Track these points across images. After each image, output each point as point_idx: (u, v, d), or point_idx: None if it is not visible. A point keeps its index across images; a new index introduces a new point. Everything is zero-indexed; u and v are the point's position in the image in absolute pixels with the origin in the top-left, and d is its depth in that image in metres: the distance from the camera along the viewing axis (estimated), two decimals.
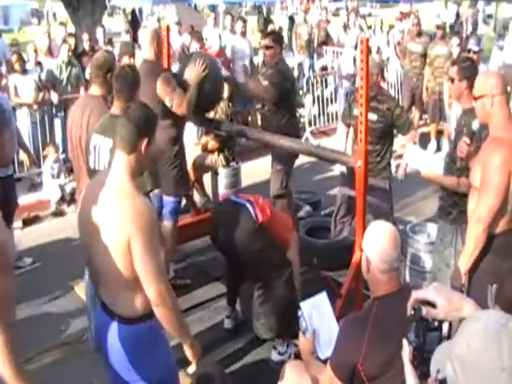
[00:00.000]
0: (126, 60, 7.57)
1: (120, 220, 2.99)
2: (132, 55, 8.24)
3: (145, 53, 5.91)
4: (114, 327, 3.21)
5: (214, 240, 5.26)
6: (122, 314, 3.18)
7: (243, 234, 4.89)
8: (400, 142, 6.49)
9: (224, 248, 5.23)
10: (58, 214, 8.47)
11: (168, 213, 5.76)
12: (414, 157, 5.15)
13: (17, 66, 9.37)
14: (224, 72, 9.59)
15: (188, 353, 3.33)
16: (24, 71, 9.45)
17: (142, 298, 3.11)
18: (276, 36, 7.32)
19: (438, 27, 11.93)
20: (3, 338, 2.66)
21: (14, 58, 9.54)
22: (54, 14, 31.97)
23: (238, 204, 5.05)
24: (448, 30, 13.63)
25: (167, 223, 5.78)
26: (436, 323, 2.17)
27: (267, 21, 15.97)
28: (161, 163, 5.62)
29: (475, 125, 4.46)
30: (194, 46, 9.52)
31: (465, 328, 1.70)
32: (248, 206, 4.97)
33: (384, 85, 11.41)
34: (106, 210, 3.05)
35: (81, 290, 5.84)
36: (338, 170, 8.27)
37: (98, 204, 3.09)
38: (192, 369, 3.40)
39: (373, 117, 5.84)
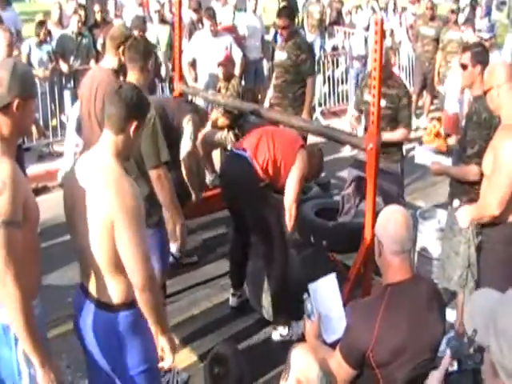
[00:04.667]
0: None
1: (104, 200, 2.88)
2: (142, 30, 8.19)
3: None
4: (90, 311, 3.10)
5: (224, 194, 5.32)
6: (100, 299, 3.07)
7: (247, 182, 4.97)
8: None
9: (232, 200, 5.25)
10: None
11: None
12: (421, 155, 5.16)
13: (40, 33, 9.33)
14: (238, 49, 9.58)
15: (165, 347, 3.18)
16: (42, 41, 9.40)
17: (123, 285, 3.02)
18: (289, 13, 7.29)
19: (452, 11, 11.83)
20: (17, 292, 2.66)
21: (41, 25, 9.46)
22: None
23: (240, 156, 5.06)
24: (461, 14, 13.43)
25: None
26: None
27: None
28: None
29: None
30: (206, 23, 9.44)
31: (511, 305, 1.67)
32: (248, 158, 5.00)
33: (395, 68, 11.36)
34: (90, 189, 2.94)
35: None
36: (347, 151, 8.27)
37: (82, 183, 2.99)
38: (167, 363, 3.24)
39: (382, 102, 5.74)
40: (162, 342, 3.18)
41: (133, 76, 4.52)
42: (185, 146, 5.59)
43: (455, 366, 2.19)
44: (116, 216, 2.85)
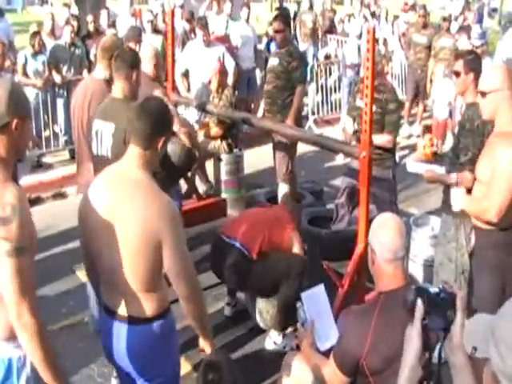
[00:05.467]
0: (131, 46, 7.53)
1: (146, 216, 2.89)
2: (138, 42, 8.20)
3: (143, 66, 5.85)
4: (122, 329, 3.10)
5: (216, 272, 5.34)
6: (133, 315, 3.07)
7: (241, 272, 5.04)
8: (403, 134, 6.39)
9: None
10: (60, 195, 8.46)
11: None
12: (413, 165, 5.17)
13: (36, 44, 9.33)
14: (230, 59, 9.60)
15: (206, 349, 3.34)
16: (37, 51, 9.41)
17: (157, 297, 3.06)
18: (285, 19, 7.35)
19: (444, 19, 11.90)
20: (37, 328, 2.59)
21: (36, 36, 9.43)
22: None
23: (229, 245, 5.10)
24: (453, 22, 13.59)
25: None
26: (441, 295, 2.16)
27: (280, 8, 15.81)
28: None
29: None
30: (199, 33, 9.46)
31: (510, 313, 1.67)
32: (238, 245, 5.04)
33: (388, 76, 11.39)
34: (125, 206, 2.93)
35: (82, 273, 5.83)
36: (340, 159, 8.28)
37: (109, 201, 2.98)
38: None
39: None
40: (204, 346, 3.35)
41: (118, 85, 4.54)
42: None
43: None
44: (163, 230, 2.89)
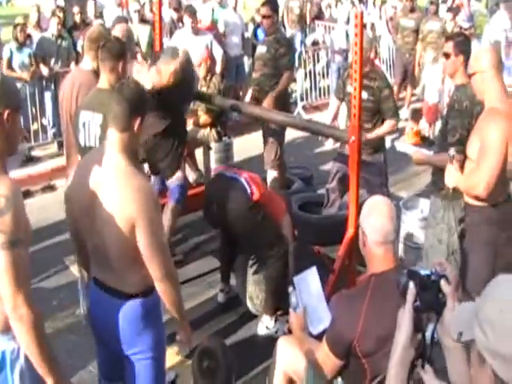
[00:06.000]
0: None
1: (121, 198, 2.98)
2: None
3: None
4: (108, 301, 3.20)
5: (207, 215, 5.24)
6: (118, 289, 3.17)
7: (237, 210, 4.88)
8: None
9: (217, 223, 5.25)
10: (49, 188, 8.44)
11: (174, 196, 5.70)
12: (402, 145, 5.18)
13: (20, 36, 9.27)
14: (218, 47, 9.58)
15: (182, 333, 3.43)
16: (22, 44, 9.36)
17: (140, 276, 3.12)
18: (273, 5, 7.33)
19: (431, 2, 11.90)
20: (33, 320, 2.58)
21: (18, 28, 9.38)
22: None
23: (233, 179, 5.03)
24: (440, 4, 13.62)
25: (171, 205, 5.69)
26: (432, 278, 2.18)
27: None
28: (158, 156, 5.57)
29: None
30: (187, 21, 9.42)
31: (494, 293, 1.69)
32: (243, 181, 4.95)
33: (376, 61, 11.39)
34: (106, 189, 3.03)
35: (74, 266, 5.84)
36: (329, 145, 8.29)
37: (94, 183, 3.07)
38: (185, 347, 3.55)
39: (363, 95, 5.74)
40: (180, 329, 3.43)
41: (104, 76, 4.54)
42: None
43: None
44: (137, 214, 2.96)
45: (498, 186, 4.01)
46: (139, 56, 9.36)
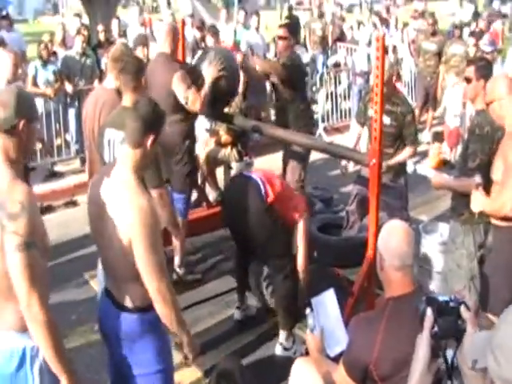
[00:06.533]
0: (139, 51, 7.57)
1: (123, 216, 3.04)
2: (146, 46, 8.23)
3: (160, 46, 5.95)
4: (114, 313, 3.27)
5: (224, 216, 5.34)
6: (122, 303, 3.24)
7: (251, 210, 4.92)
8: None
9: (232, 224, 5.29)
10: (71, 203, 8.51)
11: (178, 210, 5.79)
12: (423, 168, 5.18)
13: (44, 54, 9.43)
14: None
15: (186, 350, 3.40)
16: (46, 61, 9.50)
17: (141, 291, 3.16)
18: (290, 27, 7.37)
19: (456, 26, 11.92)
20: (46, 318, 2.74)
21: (42, 45, 9.55)
22: (67, 3, 31.86)
23: (249, 178, 5.06)
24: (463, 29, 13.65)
25: (180, 220, 5.76)
26: (451, 304, 2.19)
27: (290, 16, 15.89)
28: (171, 158, 5.68)
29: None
30: (210, 40, 9.52)
31: (506, 320, 1.69)
32: (259, 182, 4.97)
33: (398, 84, 11.41)
34: (112, 204, 3.11)
35: (94, 281, 5.88)
36: (350, 167, 8.29)
37: (104, 198, 3.16)
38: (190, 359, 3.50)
39: (386, 120, 5.77)
40: (186, 352, 3.41)
41: (127, 95, 4.61)
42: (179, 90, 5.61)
43: None
44: (133, 232, 3.01)
45: None
46: None
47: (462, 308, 2.14)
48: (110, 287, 3.36)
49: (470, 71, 4.80)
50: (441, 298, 2.19)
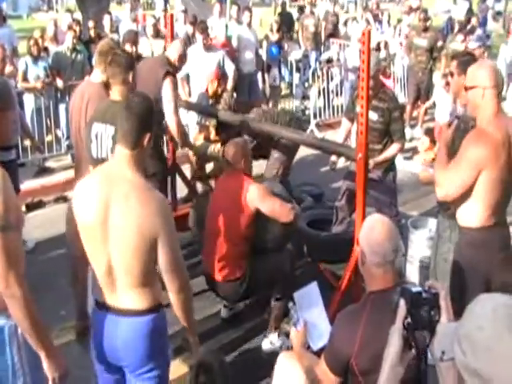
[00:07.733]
0: (127, 47, 7.56)
1: (145, 213, 2.99)
2: (134, 43, 8.22)
3: (170, 51, 6.13)
4: (118, 323, 3.18)
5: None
6: (128, 309, 3.15)
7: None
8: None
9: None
10: (62, 199, 8.50)
11: None
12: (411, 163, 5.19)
13: (33, 50, 9.42)
14: (230, 63, 9.64)
15: (191, 341, 3.47)
16: (37, 57, 9.49)
17: (152, 291, 3.16)
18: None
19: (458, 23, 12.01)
20: (24, 295, 2.76)
21: (31, 41, 9.53)
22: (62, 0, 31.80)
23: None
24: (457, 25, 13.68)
25: None
26: (424, 295, 2.19)
27: (282, 13, 15.87)
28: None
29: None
30: (199, 37, 9.51)
31: (473, 311, 1.70)
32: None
33: (390, 81, 11.43)
34: (120, 205, 3.01)
35: None
36: (341, 163, 8.28)
37: (105, 203, 3.03)
38: (193, 358, 3.58)
39: (373, 116, 5.77)
40: (189, 336, 3.47)
41: (116, 88, 4.60)
42: (168, 110, 5.76)
43: None
44: (160, 227, 3.01)
45: (484, 211, 4.01)
46: None
47: (441, 295, 2.14)
48: (111, 296, 3.18)
49: (453, 66, 4.82)
50: (414, 289, 2.19)
